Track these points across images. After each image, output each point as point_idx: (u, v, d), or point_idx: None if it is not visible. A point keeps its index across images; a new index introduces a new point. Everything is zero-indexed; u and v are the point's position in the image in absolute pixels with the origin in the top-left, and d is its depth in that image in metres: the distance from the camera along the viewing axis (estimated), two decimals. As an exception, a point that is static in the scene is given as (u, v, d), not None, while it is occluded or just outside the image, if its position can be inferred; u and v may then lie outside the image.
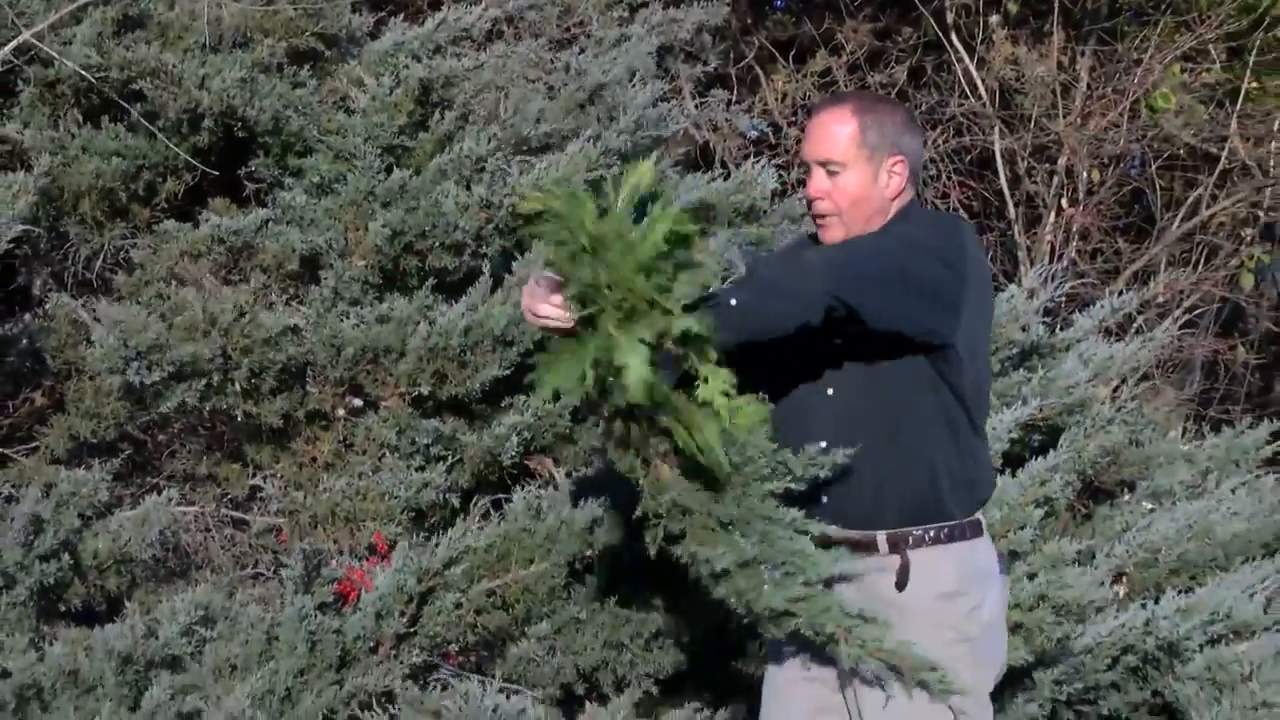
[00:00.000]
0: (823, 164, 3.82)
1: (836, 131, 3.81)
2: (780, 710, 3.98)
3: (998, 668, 3.95)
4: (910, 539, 3.75)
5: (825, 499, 3.77)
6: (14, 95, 5.83)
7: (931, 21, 11.48)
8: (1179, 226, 11.66)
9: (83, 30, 5.80)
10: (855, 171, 3.80)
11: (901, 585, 3.75)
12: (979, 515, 3.91)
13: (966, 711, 3.80)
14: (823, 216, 3.84)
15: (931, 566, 3.77)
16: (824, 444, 3.75)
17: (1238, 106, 11.52)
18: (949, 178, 11.69)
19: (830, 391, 3.79)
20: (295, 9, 6.24)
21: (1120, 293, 7.93)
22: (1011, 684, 4.64)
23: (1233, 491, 6.82)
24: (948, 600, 3.79)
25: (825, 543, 3.67)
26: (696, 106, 9.57)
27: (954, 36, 11.52)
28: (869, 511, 3.73)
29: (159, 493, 5.12)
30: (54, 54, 5.67)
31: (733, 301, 3.45)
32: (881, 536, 3.76)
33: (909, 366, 3.71)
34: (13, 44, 5.58)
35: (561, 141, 6.21)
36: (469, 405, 5.69)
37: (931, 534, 3.77)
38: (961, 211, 11.72)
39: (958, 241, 3.82)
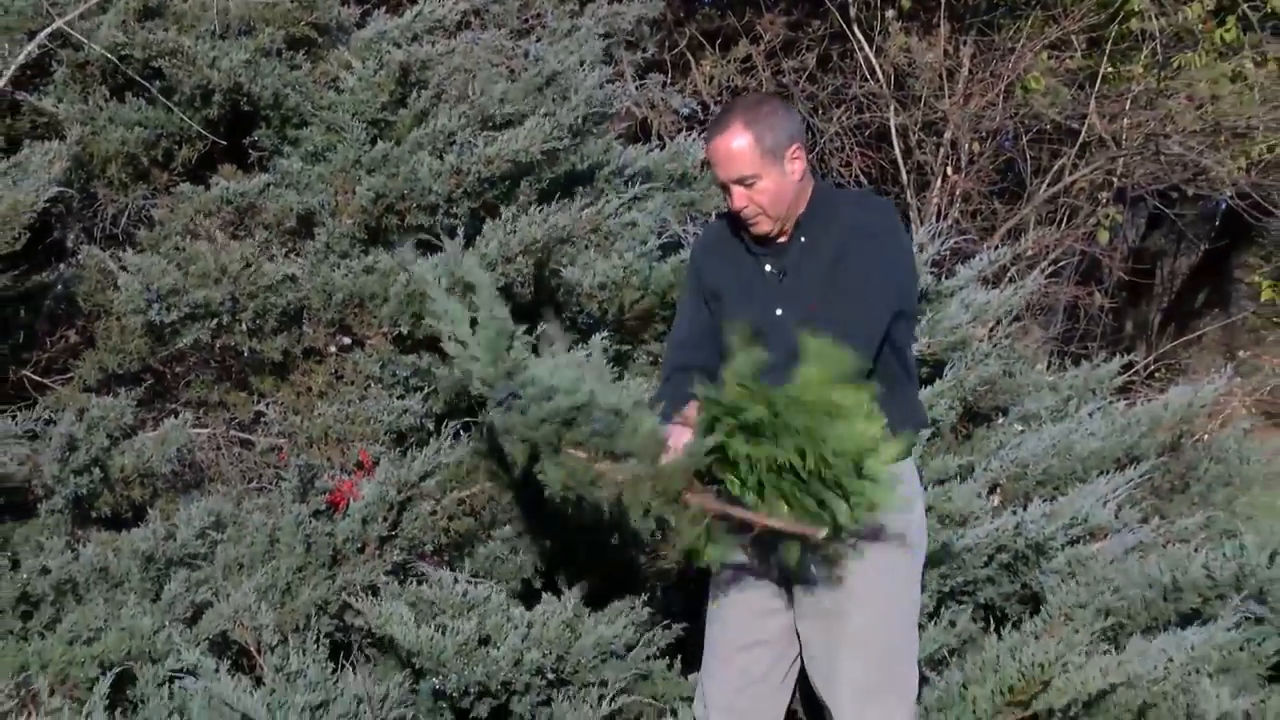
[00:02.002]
0: (738, 181, 3.74)
1: (739, 150, 3.71)
2: (726, 607, 3.95)
3: (923, 559, 3.97)
4: None
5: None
6: (49, 74, 5.78)
7: (837, 15, 11.45)
8: (1045, 191, 11.69)
9: (109, 17, 5.76)
10: (767, 176, 3.71)
11: None
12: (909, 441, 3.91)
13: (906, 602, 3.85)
14: (752, 218, 3.79)
15: None
16: None
17: (1096, 88, 11.53)
18: (852, 149, 11.70)
19: (779, 357, 3.76)
20: (292, 1, 6.20)
21: (996, 247, 7.95)
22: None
23: (1090, 415, 6.85)
24: (896, 507, 3.76)
25: None
26: (637, 88, 9.55)
27: (856, 28, 11.50)
28: None
29: (176, 416, 5.10)
30: (83, 38, 5.63)
31: None
32: None
33: None
34: (47, 30, 5.53)
35: (521, 118, 6.19)
36: (442, 343, 5.68)
37: None
38: (862, 177, 11.75)
39: (902, 225, 3.84)
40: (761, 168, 3.70)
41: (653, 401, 3.69)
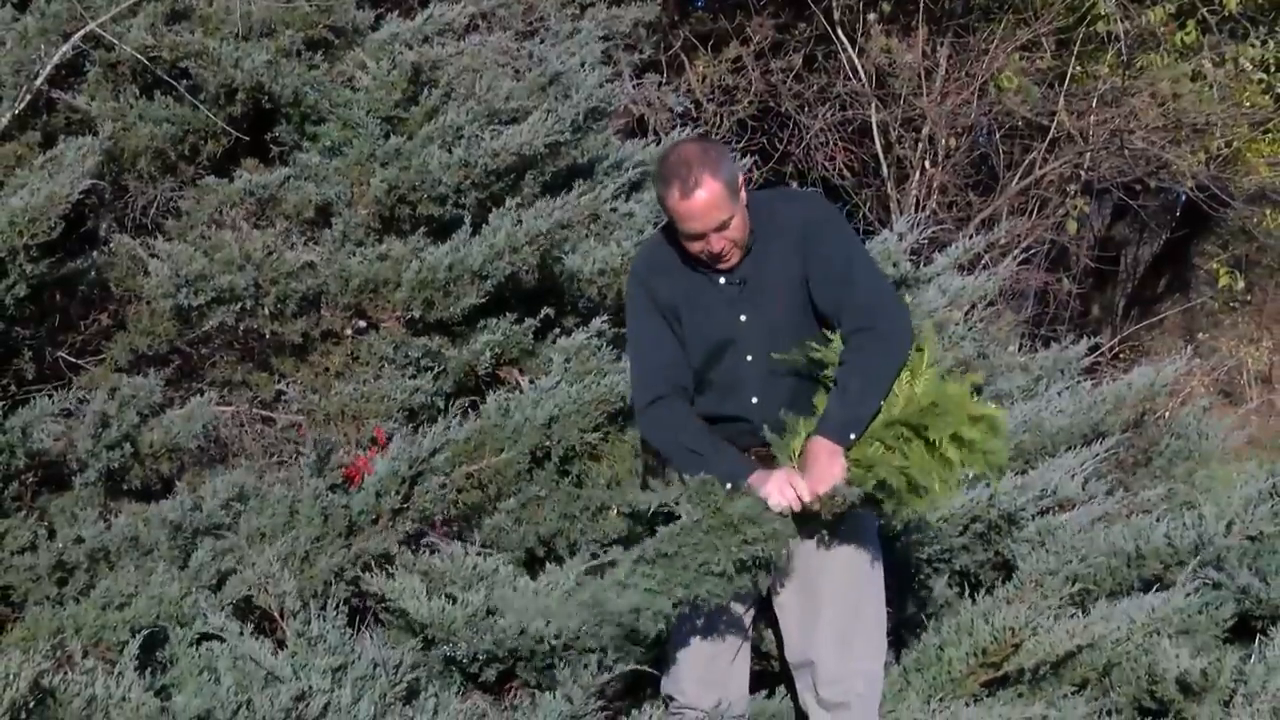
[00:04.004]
0: (718, 228, 3.63)
1: (714, 200, 3.59)
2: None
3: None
4: None
5: (765, 434, 3.73)
6: (83, 74, 5.78)
7: (821, 18, 11.43)
8: (1017, 183, 11.69)
9: (139, 20, 5.76)
10: (737, 213, 3.63)
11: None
12: None
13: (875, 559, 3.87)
14: (727, 255, 3.71)
15: None
16: (755, 399, 3.72)
17: (1064, 87, 11.54)
18: (835, 144, 11.70)
19: (749, 359, 3.73)
20: (310, 5, 6.19)
21: (971, 236, 7.93)
22: (882, 547, 4.66)
23: (1058, 394, 6.86)
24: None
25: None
26: (634, 86, 9.53)
27: (839, 30, 11.49)
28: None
29: (202, 395, 5.09)
30: (115, 40, 5.61)
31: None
32: None
33: (807, 330, 3.70)
34: (81, 32, 5.52)
35: (525, 114, 6.17)
36: (451, 326, 5.67)
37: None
38: (846, 171, 11.74)
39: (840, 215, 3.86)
40: (732, 208, 3.64)
41: (693, 454, 3.70)
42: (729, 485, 3.52)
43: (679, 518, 3.52)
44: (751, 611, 3.89)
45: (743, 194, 3.69)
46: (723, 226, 3.63)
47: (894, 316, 3.66)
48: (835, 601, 3.81)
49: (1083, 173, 11.98)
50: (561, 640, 4.43)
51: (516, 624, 4.34)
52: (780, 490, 3.50)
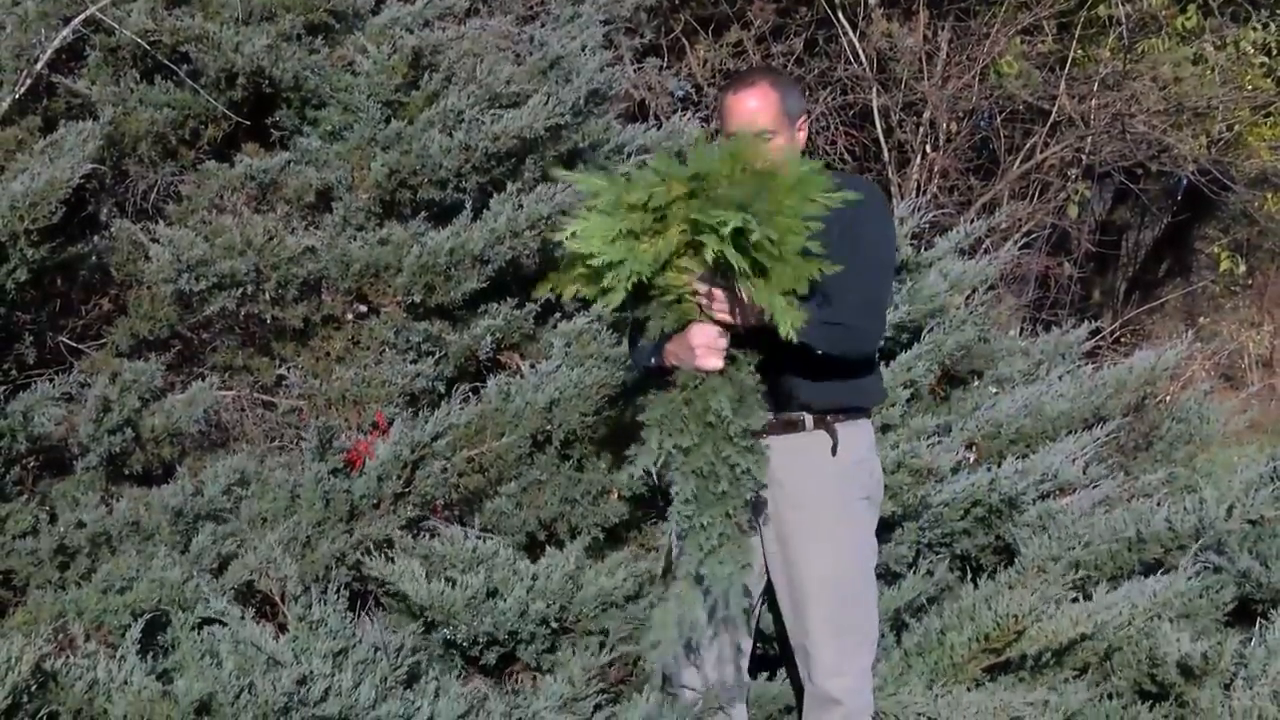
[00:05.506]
0: (756, 135, 3.60)
1: (763, 104, 3.64)
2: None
3: (878, 512, 3.96)
4: (829, 417, 3.75)
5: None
6: (83, 58, 5.76)
7: (823, 2, 11.41)
8: (1018, 167, 11.68)
9: (139, 4, 5.73)
10: (782, 136, 3.66)
11: (835, 451, 3.75)
12: (870, 407, 3.93)
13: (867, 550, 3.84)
14: None
15: (851, 438, 3.79)
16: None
17: (1065, 71, 11.52)
18: (837, 128, 11.67)
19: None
20: (310, -11, 6.18)
21: (972, 221, 7.92)
22: (883, 531, 4.67)
23: (1059, 378, 6.85)
24: (860, 464, 3.82)
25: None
26: (635, 71, 9.52)
27: (840, 14, 11.46)
28: (805, 402, 3.71)
29: (203, 380, 5.08)
30: (115, 24, 5.60)
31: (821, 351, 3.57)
32: (809, 418, 3.76)
33: None
34: (81, 16, 5.51)
35: (526, 98, 6.16)
36: (453, 311, 5.66)
37: (846, 414, 3.78)
38: (847, 155, 11.73)
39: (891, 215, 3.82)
40: (778, 126, 3.66)
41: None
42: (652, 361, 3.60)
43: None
44: (749, 596, 3.89)
45: (799, 135, 3.74)
46: (762, 136, 3.61)
47: (868, 329, 3.71)
48: (823, 592, 3.79)
49: (1084, 157, 11.96)
50: (562, 623, 4.44)
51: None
52: (707, 349, 3.49)
